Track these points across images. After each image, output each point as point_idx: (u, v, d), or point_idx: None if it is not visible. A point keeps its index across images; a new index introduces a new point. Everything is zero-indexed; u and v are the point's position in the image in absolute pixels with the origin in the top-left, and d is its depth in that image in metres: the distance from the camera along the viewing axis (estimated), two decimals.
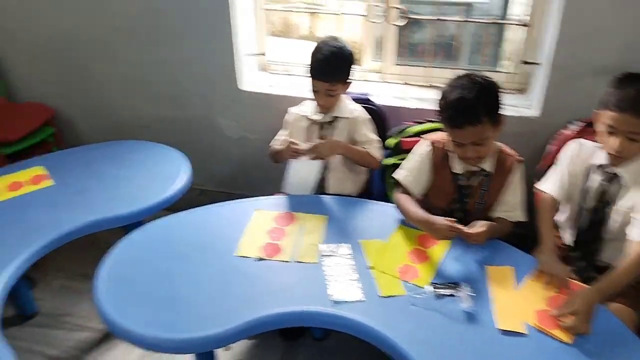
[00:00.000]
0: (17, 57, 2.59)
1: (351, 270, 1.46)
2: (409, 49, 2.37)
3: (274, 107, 2.28)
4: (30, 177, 1.89)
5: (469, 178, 1.64)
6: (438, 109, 1.57)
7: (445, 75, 2.29)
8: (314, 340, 1.99)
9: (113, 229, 1.75)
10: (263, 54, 2.42)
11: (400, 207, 1.66)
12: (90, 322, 2.10)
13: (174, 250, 1.54)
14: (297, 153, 1.79)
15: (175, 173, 1.94)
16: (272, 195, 1.87)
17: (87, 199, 1.78)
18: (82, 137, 2.73)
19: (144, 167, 1.99)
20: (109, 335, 2.05)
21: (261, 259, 1.51)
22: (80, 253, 2.17)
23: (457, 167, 1.64)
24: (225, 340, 1.27)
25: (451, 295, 1.37)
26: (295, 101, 2.12)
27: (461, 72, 1.58)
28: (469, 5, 2.76)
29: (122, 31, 2.36)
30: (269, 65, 2.46)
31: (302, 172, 1.84)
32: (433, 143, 1.69)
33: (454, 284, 1.40)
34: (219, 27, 2.21)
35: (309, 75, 1.85)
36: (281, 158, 1.90)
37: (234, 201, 1.78)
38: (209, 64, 2.33)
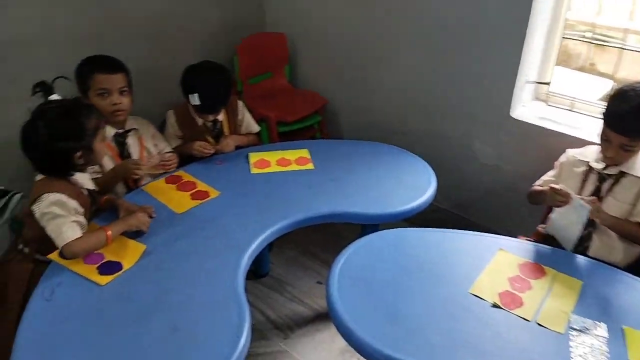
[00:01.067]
0: (307, 46, 2.90)
1: (604, 358, 1.22)
2: None
3: (544, 143, 2.07)
4: (297, 158, 2.09)
5: None
6: None
7: None
8: None
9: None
10: (547, 84, 2.20)
11: None
12: (308, 299, 2.26)
13: (406, 264, 1.52)
14: (563, 202, 1.57)
15: (421, 185, 1.92)
16: (517, 237, 1.70)
17: (338, 190, 1.88)
18: (341, 129, 2.93)
19: (392, 172, 2.01)
20: (321, 316, 2.17)
21: (496, 306, 1.37)
22: (315, 233, 2.34)
23: None
24: None
25: None
26: (572, 142, 1.88)
27: None
28: None
29: (407, 38, 2.43)
30: (549, 96, 2.23)
31: (568, 218, 1.61)
32: None
33: None
34: (509, 47, 2.08)
35: (603, 120, 1.59)
36: (542, 201, 1.71)
37: (477, 233, 1.66)
38: (485, 83, 2.23)
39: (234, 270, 1.49)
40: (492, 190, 2.40)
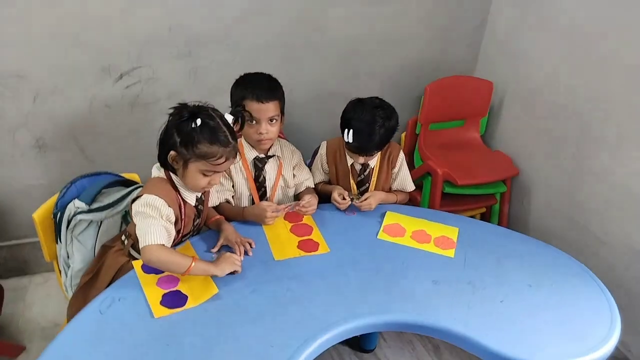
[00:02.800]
0: (515, 103, 2.39)
1: None
2: None
3: None
4: (439, 236, 1.67)
5: None
6: None
7: None
8: None
9: None
10: None
11: None
12: None
13: None
14: None
15: (596, 335, 1.33)
16: None
17: (472, 301, 1.42)
18: (526, 212, 2.36)
19: (561, 300, 1.45)
20: None
21: None
22: None
23: None
24: None
25: None
26: None
27: None
28: None
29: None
30: None
31: None
32: None
33: None
34: None
35: None
36: None
37: None
38: None
39: None
40: None
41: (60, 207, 1.59)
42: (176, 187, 1.50)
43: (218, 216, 1.67)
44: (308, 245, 1.60)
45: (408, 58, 2.44)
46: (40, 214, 1.58)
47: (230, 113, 1.51)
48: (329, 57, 2.30)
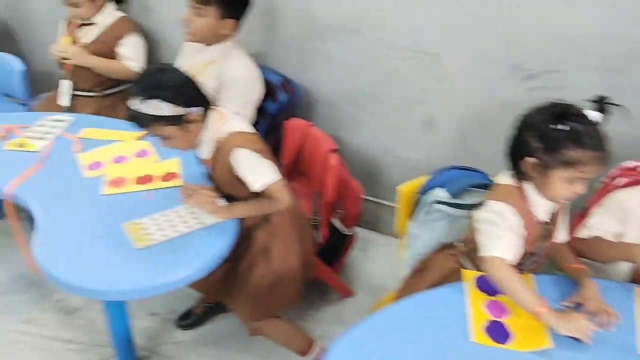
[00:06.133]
0: None
1: None
2: None
3: None
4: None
5: None
6: None
7: None
8: None
9: None
10: None
11: None
12: None
13: None
14: None
15: None
16: None
17: None
18: None
19: None
20: None
21: None
22: None
23: None
24: None
25: None
26: None
27: None
28: None
29: None
30: None
31: None
32: None
33: None
34: None
35: None
36: None
37: None
38: None
39: None
40: None
41: (426, 190, 1.62)
42: (526, 197, 1.32)
43: (581, 266, 1.39)
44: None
45: None
46: (406, 188, 1.65)
47: (596, 109, 1.27)
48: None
